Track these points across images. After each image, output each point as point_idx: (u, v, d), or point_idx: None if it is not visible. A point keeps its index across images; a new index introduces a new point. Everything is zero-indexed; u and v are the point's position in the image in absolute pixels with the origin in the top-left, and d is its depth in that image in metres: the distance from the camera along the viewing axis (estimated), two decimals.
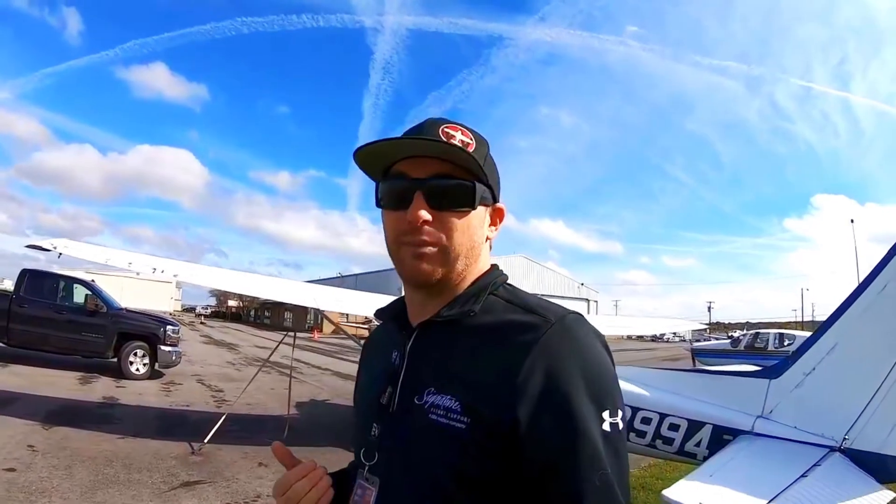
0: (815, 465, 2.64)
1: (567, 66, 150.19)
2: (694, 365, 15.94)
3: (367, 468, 0.84)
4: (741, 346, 16.84)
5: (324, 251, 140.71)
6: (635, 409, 3.52)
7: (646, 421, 3.48)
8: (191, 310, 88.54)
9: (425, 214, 0.80)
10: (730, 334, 23.84)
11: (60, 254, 5.83)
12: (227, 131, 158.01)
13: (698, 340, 25.15)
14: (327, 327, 43.56)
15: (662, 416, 3.41)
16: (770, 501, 2.20)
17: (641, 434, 3.50)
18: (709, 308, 67.02)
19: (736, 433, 3.15)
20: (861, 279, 3.07)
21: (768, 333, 16.99)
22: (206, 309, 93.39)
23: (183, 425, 7.14)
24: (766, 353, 15.44)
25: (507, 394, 0.72)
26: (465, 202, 0.82)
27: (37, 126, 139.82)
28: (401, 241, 0.83)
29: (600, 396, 0.72)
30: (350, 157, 0.85)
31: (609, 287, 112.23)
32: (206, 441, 5.97)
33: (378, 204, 0.88)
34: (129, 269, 7.02)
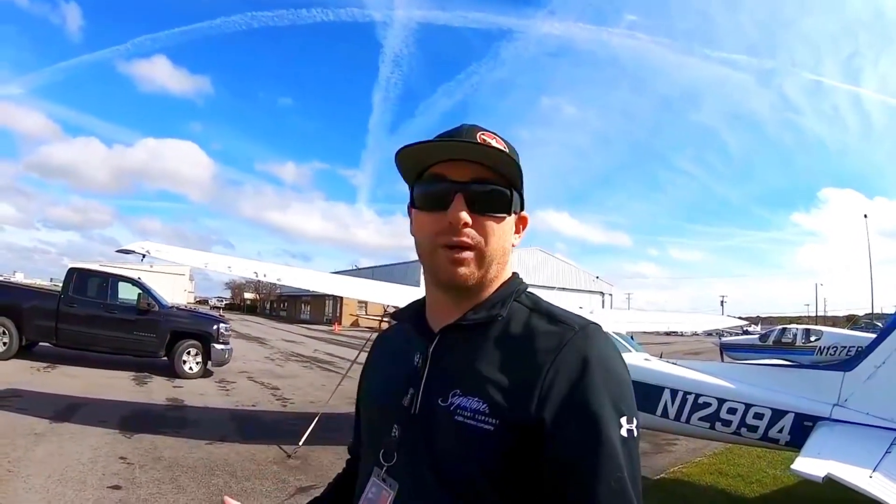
0: (893, 443, 3.16)
1: (576, 59, 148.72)
2: (722, 359, 16.30)
3: (384, 469, 0.85)
4: (769, 342, 17.27)
5: (330, 242, 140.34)
6: (721, 401, 4.03)
7: (731, 411, 3.98)
8: (204, 302, 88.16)
9: (466, 217, 0.81)
10: (745, 329, 23.90)
11: (144, 256, 5.83)
12: (233, 123, 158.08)
13: (710, 335, 25.34)
14: (346, 320, 44.10)
15: (748, 407, 3.92)
16: (874, 469, 2.76)
17: (727, 423, 4.01)
18: (721, 302, 66.81)
19: (816, 420, 3.67)
20: (874, 274, 3.67)
21: (796, 329, 17.41)
22: (221, 301, 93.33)
23: (261, 427, 7.18)
24: (794, 347, 15.86)
25: (534, 397, 0.75)
26: (503, 208, 0.85)
27: (44, 120, 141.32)
28: (437, 244, 0.83)
29: (620, 403, 0.75)
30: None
31: (617, 279, 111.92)
32: (300, 444, 5.94)
33: (412, 205, 0.89)
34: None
